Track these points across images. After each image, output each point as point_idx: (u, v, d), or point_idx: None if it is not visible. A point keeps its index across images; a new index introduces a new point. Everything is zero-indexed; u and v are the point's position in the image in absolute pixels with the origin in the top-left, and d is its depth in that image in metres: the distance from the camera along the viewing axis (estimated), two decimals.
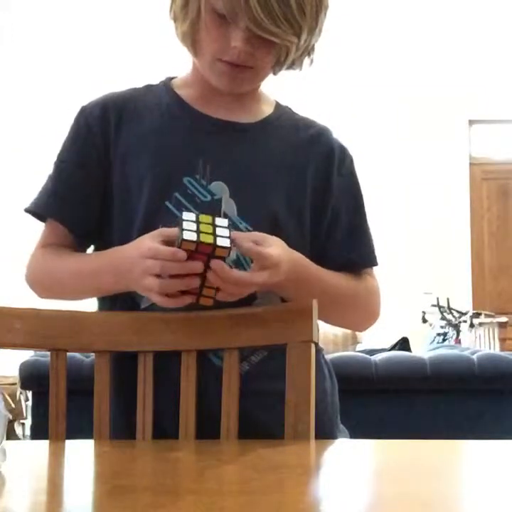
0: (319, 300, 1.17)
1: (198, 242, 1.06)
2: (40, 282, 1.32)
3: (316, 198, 1.30)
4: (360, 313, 1.35)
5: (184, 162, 1.25)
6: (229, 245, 1.08)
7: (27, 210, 1.30)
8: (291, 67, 1.27)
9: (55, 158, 1.33)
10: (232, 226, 1.16)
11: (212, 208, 1.21)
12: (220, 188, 1.24)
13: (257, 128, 1.31)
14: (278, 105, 1.37)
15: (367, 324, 1.37)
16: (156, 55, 5.46)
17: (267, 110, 1.34)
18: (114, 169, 1.27)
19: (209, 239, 1.07)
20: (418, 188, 7.11)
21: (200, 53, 1.24)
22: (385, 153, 7.08)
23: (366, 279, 1.33)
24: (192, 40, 1.23)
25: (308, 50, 1.26)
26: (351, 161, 1.36)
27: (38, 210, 1.30)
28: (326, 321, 1.31)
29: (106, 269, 1.22)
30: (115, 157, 1.27)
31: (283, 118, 1.34)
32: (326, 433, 1.23)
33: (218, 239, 1.07)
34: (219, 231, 1.08)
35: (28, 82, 6.55)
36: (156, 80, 1.37)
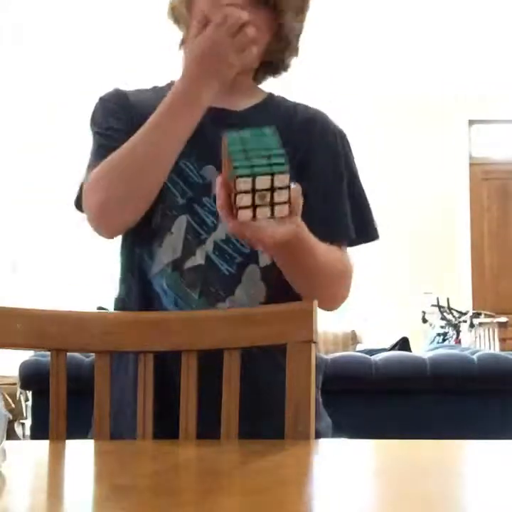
0: (306, 269, 1.22)
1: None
2: (106, 186, 1.26)
3: (298, 171, 1.29)
4: (333, 288, 1.33)
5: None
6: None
7: (75, 206, 1.34)
8: (276, 62, 1.37)
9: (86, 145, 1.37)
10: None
11: (204, 191, 1.29)
12: (211, 172, 1.30)
13: (247, 113, 1.36)
14: (271, 94, 1.42)
15: (335, 302, 1.34)
16: (161, 57, 5.46)
17: (260, 98, 1.40)
18: None
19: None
20: (418, 188, 7.12)
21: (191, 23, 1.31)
22: (385, 153, 7.08)
23: (341, 254, 1.32)
24: (181, 14, 1.33)
25: (294, 47, 1.36)
26: (336, 134, 1.39)
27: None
28: (301, 291, 1.29)
29: (176, 101, 1.25)
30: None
31: (275, 103, 1.40)
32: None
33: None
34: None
35: (28, 82, 6.55)
36: (162, 82, 1.42)
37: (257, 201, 1.01)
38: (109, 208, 1.26)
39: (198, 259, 1.29)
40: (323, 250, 1.25)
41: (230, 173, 1.01)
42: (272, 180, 1.00)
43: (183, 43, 1.39)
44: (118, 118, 1.34)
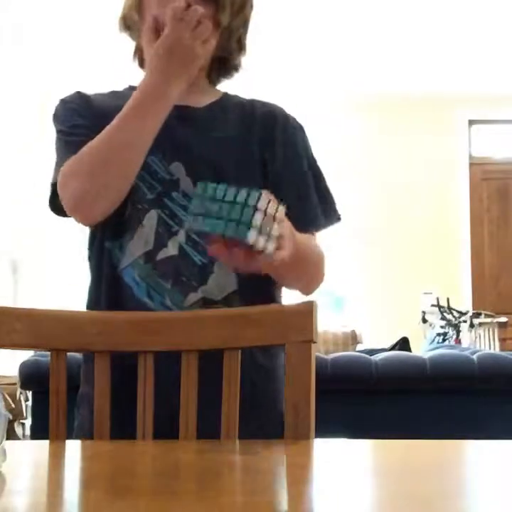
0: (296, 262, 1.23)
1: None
2: (79, 180, 1.28)
3: (263, 165, 1.37)
4: (311, 273, 1.39)
5: None
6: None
7: (51, 208, 1.35)
8: (225, 60, 1.42)
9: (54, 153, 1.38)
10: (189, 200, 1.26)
11: (173, 186, 1.32)
12: (178, 169, 1.34)
13: (209, 109, 1.40)
14: (226, 93, 1.46)
15: (315, 285, 1.39)
16: None
17: (218, 96, 1.45)
18: None
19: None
20: (418, 188, 7.12)
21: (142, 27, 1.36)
22: (385, 152, 7.08)
23: (314, 241, 1.38)
24: (133, 21, 1.38)
25: (241, 45, 1.41)
26: (295, 126, 1.43)
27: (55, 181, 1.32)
28: (282, 279, 1.34)
29: (146, 97, 1.27)
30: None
31: (232, 100, 1.44)
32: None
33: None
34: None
35: (29, 82, 6.55)
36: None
37: (264, 233, 1.05)
38: (82, 200, 1.29)
39: (171, 250, 1.32)
40: (305, 240, 1.30)
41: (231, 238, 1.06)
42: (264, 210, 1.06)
43: (136, 51, 1.42)
44: (81, 115, 1.36)
